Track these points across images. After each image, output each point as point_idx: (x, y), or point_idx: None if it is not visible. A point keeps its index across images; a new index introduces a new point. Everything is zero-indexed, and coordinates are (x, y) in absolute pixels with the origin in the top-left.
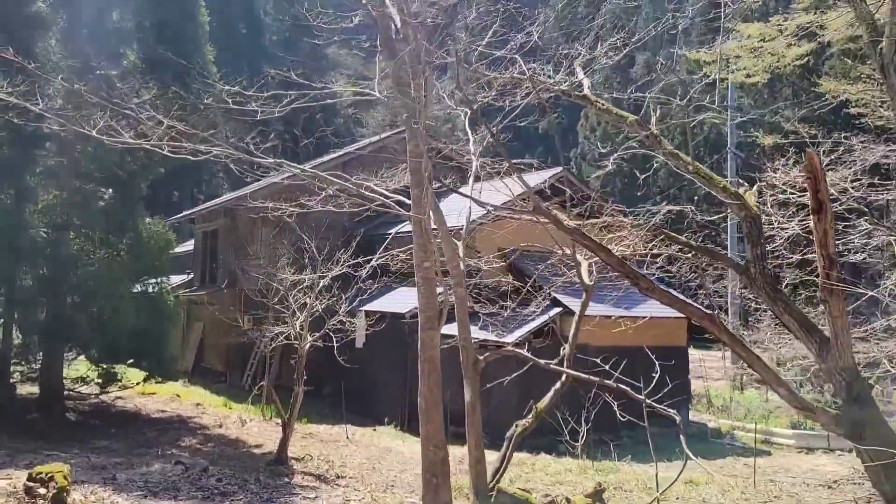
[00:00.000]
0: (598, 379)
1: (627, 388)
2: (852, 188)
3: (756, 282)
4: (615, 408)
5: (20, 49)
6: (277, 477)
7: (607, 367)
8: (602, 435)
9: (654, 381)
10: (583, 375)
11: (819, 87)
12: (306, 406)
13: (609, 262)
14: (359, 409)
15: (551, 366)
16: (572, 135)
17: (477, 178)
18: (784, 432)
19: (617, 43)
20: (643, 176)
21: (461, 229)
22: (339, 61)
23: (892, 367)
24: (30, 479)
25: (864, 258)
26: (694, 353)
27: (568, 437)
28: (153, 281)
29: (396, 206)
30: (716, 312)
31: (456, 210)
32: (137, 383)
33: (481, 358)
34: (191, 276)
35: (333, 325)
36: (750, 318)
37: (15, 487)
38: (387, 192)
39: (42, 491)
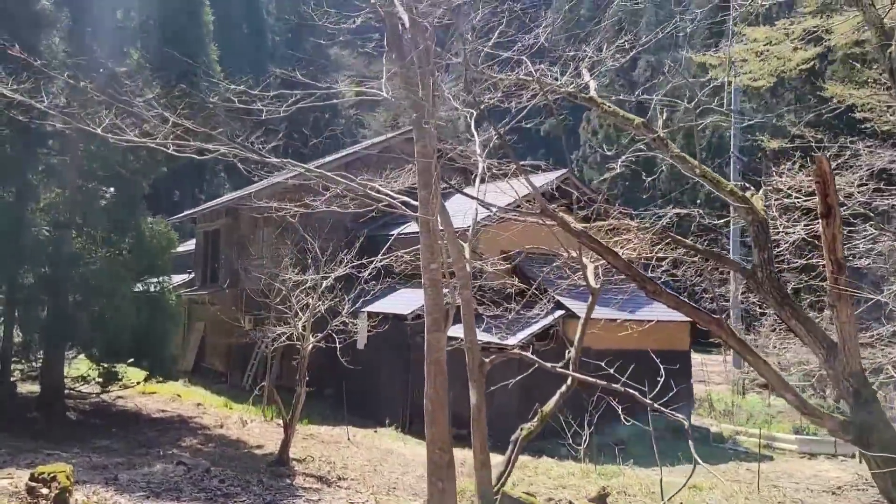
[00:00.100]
0: (604, 382)
1: (635, 392)
2: (858, 193)
3: (763, 286)
4: (619, 411)
5: (25, 46)
6: (279, 478)
7: (612, 371)
8: (604, 438)
9: (659, 384)
10: (590, 379)
11: (824, 91)
12: (307, 407)
13: (616, 266)
14: (360, 411)
15: (558, 369)
16: (574, 137)
17: (482, 180)
18: (787, 437)
19: (624, 45)
20: (649, 179)
21: (467, 230)
22: (341, 62)
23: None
24: (32, 478)
25: (868, 263)
26: (695, 357)
27: (570, 441)
28: (154, 280)
29: (403, 207)
30: (722, 316)
31: (460, 211)
32: (138, 383)
33: (487, 360)
34: (192, 275)
35: (336, 326)
36: (752, 322)
37: (17, 487)
38: (393, 193)
39: (44, 491)
